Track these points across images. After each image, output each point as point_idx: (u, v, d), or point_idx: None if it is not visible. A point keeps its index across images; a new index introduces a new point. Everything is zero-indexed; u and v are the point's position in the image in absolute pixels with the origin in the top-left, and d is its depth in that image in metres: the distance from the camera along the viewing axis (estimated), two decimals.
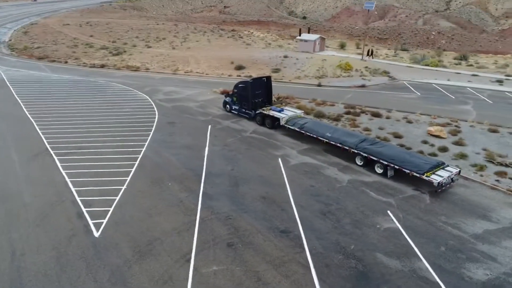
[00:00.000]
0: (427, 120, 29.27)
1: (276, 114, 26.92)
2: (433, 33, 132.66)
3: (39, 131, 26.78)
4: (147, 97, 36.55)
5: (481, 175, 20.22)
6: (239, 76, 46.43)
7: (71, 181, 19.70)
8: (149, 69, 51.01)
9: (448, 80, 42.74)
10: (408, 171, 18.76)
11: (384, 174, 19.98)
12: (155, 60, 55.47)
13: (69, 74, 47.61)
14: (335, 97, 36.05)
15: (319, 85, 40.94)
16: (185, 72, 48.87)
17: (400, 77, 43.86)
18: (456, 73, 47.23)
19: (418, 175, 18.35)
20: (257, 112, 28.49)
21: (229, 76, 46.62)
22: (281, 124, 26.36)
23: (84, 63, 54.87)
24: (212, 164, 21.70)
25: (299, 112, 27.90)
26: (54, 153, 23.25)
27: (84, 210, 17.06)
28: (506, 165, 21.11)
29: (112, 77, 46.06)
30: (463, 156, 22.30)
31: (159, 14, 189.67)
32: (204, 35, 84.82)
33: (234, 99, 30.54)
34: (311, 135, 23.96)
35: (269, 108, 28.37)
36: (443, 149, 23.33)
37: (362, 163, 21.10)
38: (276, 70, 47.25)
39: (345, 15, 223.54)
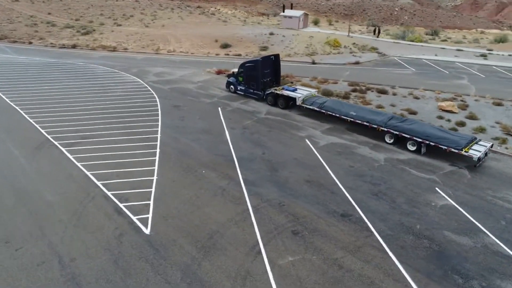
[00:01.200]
0: (432, 96, 29.79)
1: (291, 94, 26.09)
2: (396, 9, 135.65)
3: (31, 121, 24.15)
4: (138, 79, 34.23)
5: (506, 148, 20.88)
6: (227, 54, 44.78)
7: (92, 174, 17.92)
8: (127, 49, 47.82)
9: (436, 55, 43.82)
10: (446, 147, 18.89)
11: (417, 151, 20.03)
12: (131, 39, 52.04)
13: (38, 55, 43.55)
14: (333, 75, 35.72)
15: (313, 62, 40.38)
16: (168, 52, 46.32)
17: (390, 53, 44.31)
18: (441, 48, 48.56)
19: (456, 150, 18.54)
20: (268, 92, 27.49)
21: (217, 55, 44.81)
22: (297, 104, 25.61)
23: (51, 43, 50.40)
24: (239, 148, 20.66)
25: (313, 91, 27.24)
26: (58, 144, 21.06)
27: (121, 205, 15.57)
28: None
29: (90, 58, 42.69)
30: (482, 129, 22.91)
31: None
32: (173, 12, 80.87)
33: (240, 79, 29.25)
34: (333, 114, 23.48)
35: (281, 87, 27.45)
36: (461, 124, 23.83)
37: (392, 140, 21.03)
38: (264, 48, 45.99)
39: None
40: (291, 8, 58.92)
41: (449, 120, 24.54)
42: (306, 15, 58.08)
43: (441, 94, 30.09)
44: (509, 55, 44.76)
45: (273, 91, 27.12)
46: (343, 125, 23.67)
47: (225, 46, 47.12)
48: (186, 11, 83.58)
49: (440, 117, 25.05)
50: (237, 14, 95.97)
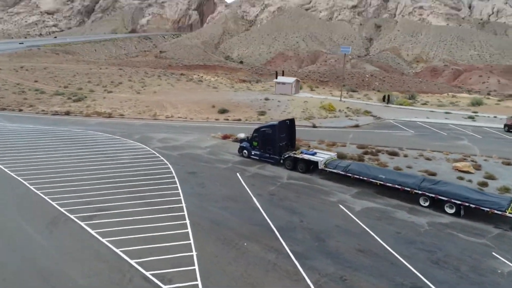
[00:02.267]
0: (442, 157, 30.43)
1: (312, 158, 25.82)
2: (367, 76, 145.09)
3: (39, 193, 22.30)
4: (143, 145, 33.23)
5: None
6: (227, 119, 45.01)
7: (122, 252, 16.18)
8: (124, 115, 47.22)
9: (427, 118, 45.93)
10: (488, 209, 18.68)
11: (456, 214, 19.69)
12: (126, 105, 51.72)
13: (30, 123, 42.06)
14: (338, 138, 36.21)
15: (314, 126, 41.09)
16: (166, 117, 46.04)
17: (383, 116, 46.04)
18: (430, 111, 51.16)
19: (499, 212, 18.33)
20: (286, 156, 27.17)
21: (216, 120, 44.92)
22: (319, 167, 25.27)
23: (42, 110, 49.20)
24: (274, 216, 19.59)
25: (333, 154, 27.16)
26: (75, 217, 19.28)
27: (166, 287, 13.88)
28: None
29: (87, 125, 41.60)
30: (507, 189, 23.13)
31: (92, 58, 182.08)
32: (161, 79, 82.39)
33: (254, 144, 28.93)
34: (360, 177, 23.19)
35: (299, 151, 27.25)
36: (483, 184, 24.04)
37: (427, 203, 20.68)
38: (262, 113, 46.71)
39: (280, 60, 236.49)
40: (283, 75, 61.66)
41: (470, 181, 24.75)
42: (297, 81, 60.70)
43: (450, 155, 30.81)
44: (494, 117, 47.65)
45: (291, 155, 26.84)
46: (370, 189, 23.29)
47: (222, 111, 47.56)
48: (174, 78, 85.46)
49: (461, 178, 25.27)
50: (220, 81, 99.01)
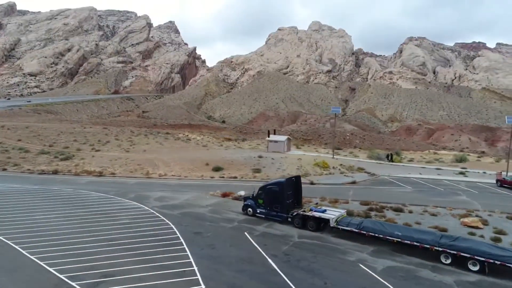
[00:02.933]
0: (446, 212, 30.40)
1: (323, 215, 25.19)
2: (348, 134, 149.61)
3: (33, 258, 20.49)
4: (140, 205, 31.85)
5: None
6: (222, 177, 44.34)
7: None
8: (115, 173, 45.87)
9: (420, 174, 46.76)
10: None
11: (480, 271, 19.12)
12: (116, 164, 50.48)
13: (16, 182, 40.07)
14: (339, 194, 35.93)
15: (311, 183, 40.90)
16: (159, 176, 44.96)
17: (377, 172, 46.56)
18: (421, 167, 52.26)
19: None
20: (294, 214, 26.46)
21: (212, 177, 44.15)
22: (331, 225, 24.58)
23: (28, 169, 47.28)
24: (295, 279, 18.39)
25: (343, 211, 26.64)
26: (77, 285, 17.57)
27: None
28: None
29: (77, 184, 39.97)
30: None
31: (75, 118, 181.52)
32: (149, 138, 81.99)
33: (260, 201, 28.22)
34: (376, 235, 22.59)
35: (308, 209, 26.64)
36: (496, 240, 23.82)
37: (449, 261, 20.09)
38: (257, 170, 46.42)
39: (261, 119, 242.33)
40: (274, 134, 62.79)
41: (482, 236, 24.51)
42: (289, 139, 61.62)
43: (453, 210, 30.88)
44: (484, 173, 49.08)
45: (300, 212, 26.16)
46: (386, 246, 22.60)
47: (217, 169, 47.00)
48: (161, 137, 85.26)
49: (472, 234, 25.02)
50: (207, 139, 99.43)
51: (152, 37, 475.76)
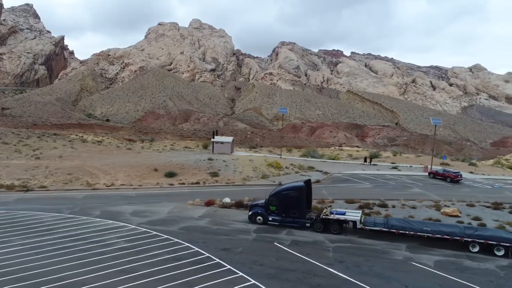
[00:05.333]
0: (420, 204, 33.81)
1: (349, 218, 25.30)
2: (248, 133, 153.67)
3: None
4: (119, 223, 26.95)
5: None
6: (183, 183, 40.74)
7: None
8: (46, 186, 37.66)
9: (363, 170, 51.04)
10: None
11: (504, 255, 21.96)
12: (39, 174, 41.48)
13: None
14: (315, 194, 36.48)
15: (280, 184, 40.69)
16: (106, 186, 38.67)
17: (329, 170, 49.08)
18: (360, 163, 56.90)
19: None
20: (313, 218, 25.96)
21: (171, 185, 40.08)
22: (358, 227, 24.89)
23: None
24: (377, 286, 18.10)
25: (359, 211, 27.18)
26: None
27: None
28: None
29: (4, 204, 31.39)
30: (502, 227, 27.06)
31: None
32: (48, 141, 69.61)
33: (272, 208, 26.79)
34: (406, 232, 23.78)
35: (327, 211, 26.38)
36: (484, 225, 27.64)
37: (477, 249, 22.50)
38: (215, 174, 43.96)
39: (152, 118, 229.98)
40: (216, 135, 59.77)
41: (470, 223, 28.16)
42: (233, 140, 59.76)
43: (423, 202, 34.71)
44: (411, 166, 56.43)
45: (322, 216, 25.78)
46: (414, 242, 23.92)
47: (170, 175, 42.72)
48: (62, 141, 73.19)
49: (461, 222, 28.44)
50: (109, 141, 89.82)
51: (4, 20, 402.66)
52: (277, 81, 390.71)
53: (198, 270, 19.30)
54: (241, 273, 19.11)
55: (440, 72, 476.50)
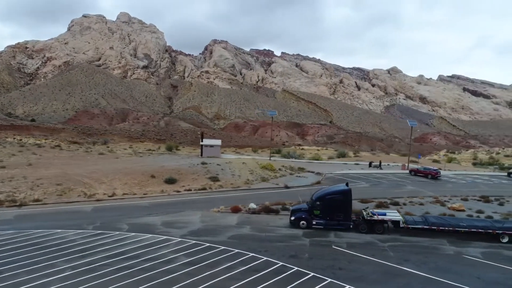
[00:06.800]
0: (424, 201, 36.72)
1: (392, 218, 26.82)
2: (198, 133, 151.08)
3: None
4: (160, 236, 25.43)
5: None
6: (189, 190, 39.36)
7: None
8: (40, 200, 33.77)
9: (349, 169, 53.67)
10: None
11: None
12: (21, 186, 36.90)
13: None
14: None
15: (286, 187, 41.39)
16: (109, 197, 35.81)
17: (320, 171, 50.81)
18: (343, 163, 59.42)
19: None
20: (358, 220, 27.11)
21: (178, 192, 38.44)
22: (401, 226, 26.54)
23: None
24: (468, 282, 19.56)
25: (394, 211, 28.84)
26: None
27: None
28: None
29: (7, 223, 27.60)
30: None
31: None
32: None
33: (316, 212, 27.35)
34: (446, 228, 25.96)
35: (368, 213, 27.62)
36: (489, 217, 31.23)
37: (506, 240, 25.47)
38: (215, 179, 43.01)
39: (85, 117, 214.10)
40: (202, 137, 57.20)
41: (478, 216, 31.60)
42: (220, 143, 58.34)
43: (424, 198, 37.90)
44: (388, 165, 60.54)
45: (367, 218, 27.00)
46: (451, 237, 26.06)
47: (170, 181, 40.78)
48: (12, 145, 65.32)
49: (470, 215, 31.80)
50: (57, 143, 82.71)
51: None
52: (214, 79, 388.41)
53: (287, 280, 19.15)
54: (329, 279, 19.40)
55: (362, 74, 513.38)
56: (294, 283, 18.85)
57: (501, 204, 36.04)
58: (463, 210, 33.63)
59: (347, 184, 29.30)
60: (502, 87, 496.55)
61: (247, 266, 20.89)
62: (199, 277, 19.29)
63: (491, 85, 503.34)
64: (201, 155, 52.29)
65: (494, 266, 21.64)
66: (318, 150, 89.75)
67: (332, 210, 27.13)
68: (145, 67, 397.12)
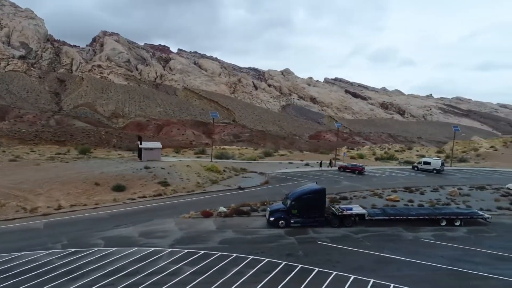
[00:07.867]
0: (365, 194, 41.15)
1: (359, 212, 29.96)
2: (103, 133, 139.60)
3: None
4: (154, 248, 24.29)
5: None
6: (144, 197, 37.38)
7: None
8: None
9: (286, 168, 56.53)
10: (480, 218, 31.01)
11: (460, 225, 30.92)
12: None
13: None
14: (279, 194, 39.78)
15: (240, 188, 42.19)
16: (55, 210, 31.91)
17: (261, 171, 52.61)
18: (279, 163, 61.77)
19: (483, 219, 31.06)
20: (332, 216, 29.59)
21: (132, 200, 36.24)
22: (366, 218, 29.86)
23: None
24: (457, 264, 23.30)
25: (358, 206, 32.08)
26: None
27: None
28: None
29: None
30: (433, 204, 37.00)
31: None
32: None
33: (294, 212, 29.01)
34: (401, 218, 30.10)
35: (337, 209, 30.24)
36: (420, 205, 36.97)
37: (444, 223, 30.74)
38: (165, 184, 41.43)
39: None
40: (141, 141, 51.90)
41: (412, 205, 37.10)
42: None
43: (364, 192, 42.63)
44: (317, 162, 65.05)
45: (338, 214, 29.58)
46: (403, 225, 30.05)
47: (118, 188, 37.76)
48: None
49: (406, 205, 37.17)
50: None
51: None
52: (108, 74, 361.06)
53: (301, 277, 20.46)
54: (335, 272, 21.31)
55: (258, 74, 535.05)
56: (308, 279, 20.23)
57: (421, 193, 42.81)
58: (398, 201, 39.06)
59: (316, 182, 31.73)
60: (375, 89, 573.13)
61: (255, 269, 21.51)
62: (217, 284, 19.31)
63: (366, 88, 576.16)
64: (140, 158, 49.33)
65: (447, 246, 26.18)
66: (238, 149, 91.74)
67: (308, 209, 29.11)
68: (22, 57, 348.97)
